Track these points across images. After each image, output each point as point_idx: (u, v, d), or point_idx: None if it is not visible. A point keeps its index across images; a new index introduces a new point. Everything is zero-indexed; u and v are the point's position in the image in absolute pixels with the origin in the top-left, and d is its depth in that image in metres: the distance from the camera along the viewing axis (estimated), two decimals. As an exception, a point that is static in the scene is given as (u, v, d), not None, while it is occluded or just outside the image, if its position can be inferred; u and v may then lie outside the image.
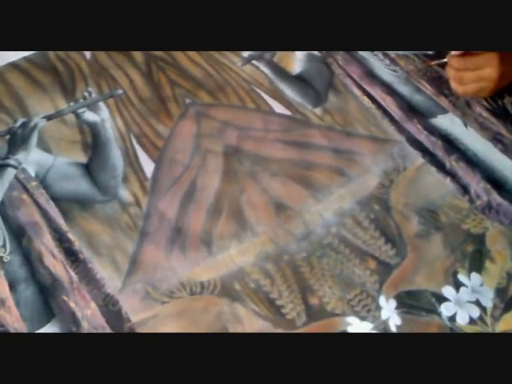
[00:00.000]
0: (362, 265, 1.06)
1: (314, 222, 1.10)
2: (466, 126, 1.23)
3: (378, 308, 1.00)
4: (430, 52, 1.33)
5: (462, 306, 1.00)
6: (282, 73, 1.38)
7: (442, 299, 1.02)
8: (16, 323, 0.95)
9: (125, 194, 1.13)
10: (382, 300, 1.01)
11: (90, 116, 1.21)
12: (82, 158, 1.18)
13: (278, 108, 1.32)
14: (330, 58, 1.40)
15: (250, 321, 0.96)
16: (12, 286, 1.00)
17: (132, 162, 1.18)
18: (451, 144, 1.26)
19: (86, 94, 1.24)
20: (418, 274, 1.05)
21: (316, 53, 1.42)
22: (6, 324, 0.94)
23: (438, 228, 1.12)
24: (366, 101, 1.33)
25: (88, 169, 1.18)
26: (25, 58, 1.34)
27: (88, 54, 1.37)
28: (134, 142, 1.21)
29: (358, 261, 1.06)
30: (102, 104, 1.23)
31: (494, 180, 1.20)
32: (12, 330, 0.94)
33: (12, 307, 0.97)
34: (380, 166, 1.21)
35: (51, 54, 1.36)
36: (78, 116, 1.22)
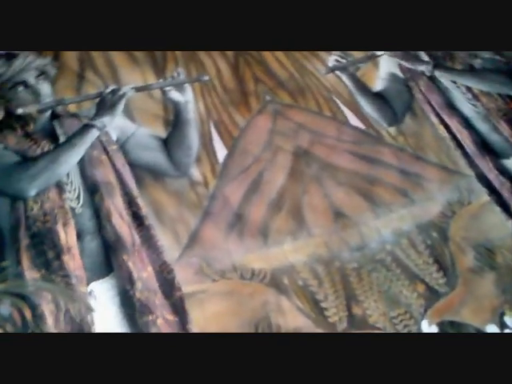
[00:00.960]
0: (410, 286, 1.07)
1: (370, 236, 1.12)
2: (537, 172, 1.23)
3: (419, 331, 1.01)
4: (513, 94, 1.33)
5: (504, 347, 1.00)
6: (363, 87, 1.40)
7: (485, 336, 1.01)
8: (77, 271, 1.02)
9: (195, 173, 1.18)
10: (424, 324, 1.02)
11: (175, 95, 1.26)
12: (162, 133, 1.23)
13: (354, 120, 1.35)
14: (412, 81, 1.42)
15: (293, 315, 1.00)
16: (79, 236, 1.06)
17: (207, 145, 1.23)
18: (520, 187, 1.26)
19: (175, 73, 1.29)
20: (464, 307, 1.06)
21: (399, 74, 1.44)
22: (68, 270, 1.00)
23: (492, 267, 1.12)
24: (442, 130, 1.34)
25: (166, 144, 1.23)
26: (125, 31, 1.41)
27: (183, 36, 1.44)
28: (212, 127, 1.27)
29: (408, 282, 1.07)
30: (188, 86, 1.28)
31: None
32: (73, 278, 1.00)
33: (76, 255, 1.03)
34: (445, 195, 1.22)
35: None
36: (164, 93, 1.27)
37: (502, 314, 0.99)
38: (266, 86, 1.28)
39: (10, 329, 0.86)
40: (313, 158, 1.16)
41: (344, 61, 1.39)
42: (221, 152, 1.16)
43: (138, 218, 1.11)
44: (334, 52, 1.42)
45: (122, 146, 1.20)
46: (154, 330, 1.00)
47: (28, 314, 0.90)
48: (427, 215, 1.10)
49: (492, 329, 0.98)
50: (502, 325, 0.98)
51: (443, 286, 1.01)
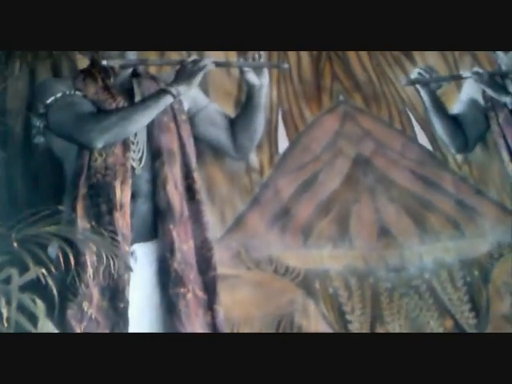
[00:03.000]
0: (438, 320, 1.07)
1: (411, 260, 1.12)
2: None
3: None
4: None
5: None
6: (440, 107, 1.37)
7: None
8: (125, 229, 1.07)
9: (254, 159, 1.20)
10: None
11: (252, 77, 1.27)
12: (231, 112, 1.26)
13: (422, 139, 1.32)
14: (492, 111, 1.37)
15: (316, 320, 1.02)
16: (133, 197, 1.12)
17: (270, 133, 1.25)
18: None
19: (257, 56, 1.30)
20: (488, 352, 1.04)
21: (481, 101, 1.39)
22: (117, 227, 1.06)
23: (527, 320, 1.09)
24: (511, 168, 1.29)
25: (232, 124, 1.26)
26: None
27: (271, 19, 1.44)
28: (280, 116, 1.27)
29: (437, 314, 1.07)
30: (266, 70, 1.29)
31: None
32: (119, 235, 1.05)
33: (127, 214, 1.08)
34: (497, 235, 1.19)
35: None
36: (242, 73, 1.29)
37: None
38: (342, 86, 1.27)
39: (52, 270, 0.92)
40: (372, 169, 1.16)
41: (427, 75, 1.36)
42: (283, 143, 1.17)
43: (190, 191, 1.15)
44: (419, 64, 1.39)
45: (191, 118, 1.24)
46: (182, 303, 1.05)
47: (72, 259, 0.96)
48: (474, 252, 1.08)
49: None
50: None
51: (472, 326, 1.01)
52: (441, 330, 1.02)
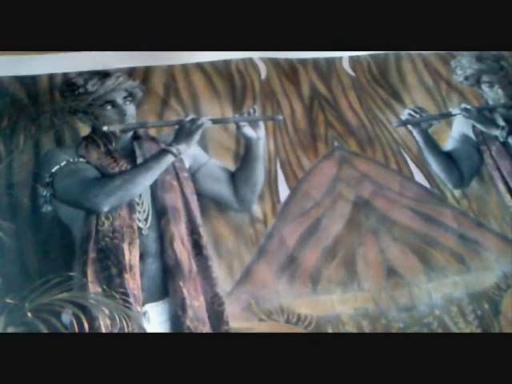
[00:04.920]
0: (454, 356, 1.07)
1: (421, 298, 1.13)
2: None
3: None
4: None
5: None
6: (433, 145, 1.41)
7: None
8: (136, 290, 1.09)
9: (257, 210, 1.23)
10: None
11: (248, 131, 1.33)
12: (231, 166, 1.29)
13: (419, 177, 1.35)
14: (484, 145, 1.41)
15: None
16: (142, 257, 1.14)
17: (271, 183, 1.28)
18: None
19: (252, 110, 1.36)
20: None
21: (472, 136, 1.44)
22: (128, 289, 1.08)
23: (541, 350, 1.09)
24: (508, 199, 1.32)
25: (234, 177, 1.29)
26: (210, 62, 1.50)
27: (263, 73, 1.50)
28: (278, 166, 1.31)
29: (452, 351, 1.07)
30: (261, 123, 1.35)
31: None
32: (131, 297, 1.07)
33: (137, 275, 1.10)
34: (502, 267, 1.20)
35: (233, 63, 1.51)
36: (238, 127, 1.34)
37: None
38: (336, 132, 1.32)
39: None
40: (372, 210, 1.18)
41: (418, 115, 1.41)
42: (283, 192, 1.20)
43: (197, 247, 1.17)
44: (408, 106, 1.44)
45: (193, 175, 1.28)
46: (198, 360, 1.05)
47: (86, 325, 0.97)
48: (481, 285, 1.10)
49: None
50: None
51: (488, 361, 1.00)
52: (457, 367, 1.02)
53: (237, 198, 1.27)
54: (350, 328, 1.08)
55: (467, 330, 1.10)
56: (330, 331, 1.07)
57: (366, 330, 1.08)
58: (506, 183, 1.35)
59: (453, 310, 1.12)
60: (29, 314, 0.96)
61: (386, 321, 1.09)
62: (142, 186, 1.20)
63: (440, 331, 1.09)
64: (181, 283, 1.11)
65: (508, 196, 1.33)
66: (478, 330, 1.10)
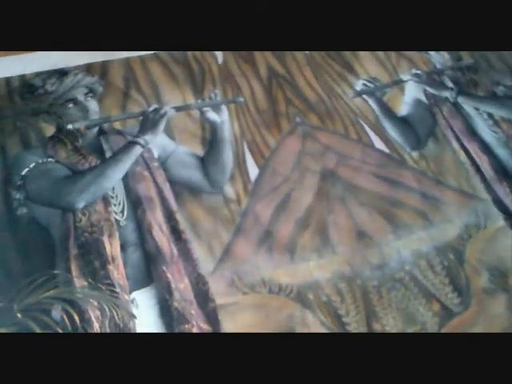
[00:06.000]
0: (426, 305, 1.15)
1: (391, 255, 1.20)
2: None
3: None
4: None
5: None
6: (388, 112, 1.48)
7: (495, 355, 1.09)
8: (121, 280, 1.12)
9: (229, 190, 1.27)
10: (438, 341, 1.10)
11: (212, 115, 1.36)
12: (199, 151, 1.33)
13: (378, 143, 1.42)
14: (436, 107, 1.49)
15: (316, 328, 1.08)
16: (123, 248, 1.17)
17: (240, 164, 1.32)
18: (535, 214, 1.32)
19: (213, 95, 1.39)
20: (476, 326, 1.13)
21: (424, 100, 1.51)
22: (113, 279, 1.11)
23: (505, 289, 1.19)
24: (462, 155, 1.41)
25: (203, 161, 1.33)
26: (166, 52, 1.51)
27: (220, 58, 1.53)
28: (245, 146, 1.35)
29: (424, 301, 1.15)
30: (224, 107, 1.38)
31: None
32: (117, 287, 1.10)
33: (120, 265, 1.13)
34: (463, 219, 1.29)
35: (189, 51, 1.53)
36: (202, 113, 1.37)
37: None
38: (297, 109, 1.36)
39: (60, 331, 0.96)
40: (338, 179, 1.25)
41: (371, 85, 1.47)
42: (253, 171, 1.25)
43: (176, 232, 1.21)
44: (361, 76, 1.50)
45: (163, 163, 1.31)
46: (190, 338, 1.10)
47: (77, 318, 1.00)
48: (445, 238, 1.18)
49: (502, 349, 1.05)
50: (512, 345, 1.05)
51: (457, 305, 1.09)
52: (430, 314, 1.10)
53: (208, 181, 1.30)
54: (329, 291, 1.14)
55: (436, 281, 1.18)
56: (310, 297, 1.13)
57: (344, 292, 1.15)
58: (459, 141, 1.43)
59: (421, 263, 1.20)
60: (18, 315, 0.97)
61: (361, 281, 1.16)
62: (113, 179, 1.22)
63: (412, 285, 1.17)
64: (164, 268, 1.14)
65: (462, 153, 1.42)
66: (446, 280, 1.19)
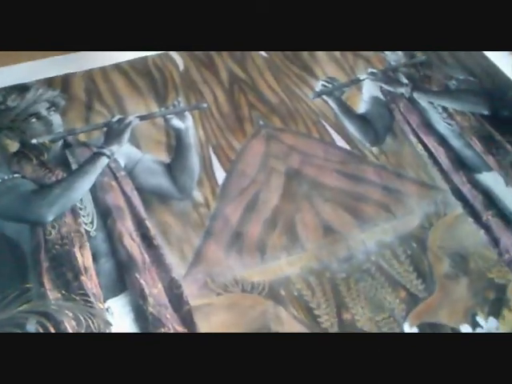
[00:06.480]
0: (393, 293, 1.20)
1: (357, 248, 1.25)
2: (507, 185, 1.37)
3: (402, 332, 1.14)
4: (486, 112, 1.47)
5: (476, 345, 1.13)
6: (347, 110, 1.54)
7: (459, 335, 1.15)
8: (94, 289, 1.13)
9: (197, 195, 1.30)
10: (406, 326, 1.15)
11: (176, 122, 1.39)
12: (165, 158, 1.35)
13: (340, 141, 1.47)
14: (392, 103, 1.55)
15: (290, 323, 1.12)
16: (95, 258, 1.18)
17: (207, 168, 1.35)
18: (491, 200, 1.40)
19: (176, 102, 1.42)
20: (441, 309, 1.19)
21: (381, 97, 1.57)
22: (86, 290, 1.12)
23: (465, 272, 1.25)
24: (420, 148, 1.47)
25: (170, 168, 1.35)
26: (127, 62, 1.53)
27: (181, 65, 1.56)
28: (211, 151, 1.38)
29: (391, 289, 1.20)
30: (187, 113, 1.41)
31: (524, 239, 1.33)
32: (91, 296, 1.11)
33: (93, 275, 1.14)
34: (423, 209, 1.35)
35: (150, 60, 1.55)
36: (166, 120, 1.40)
37: (474, 315, 1.12)
38: (260, 112, 1.40)
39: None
40: (303, 178, 1.29)
41: (330, 85, 1.52)
42: (220, 174, 1.28)
43: (147, 239, 1.23)
44: (320, 78, 1.55)
45: (130, 172, 1.32)
46: (167, 341, 1.11)
47: (53, 330, 1.01)
48: (407, 228, 1.23)
49: (465, 328, 1.11)
50: (474, 324, 1.11)
51: (422, 291, 1.14)
52: (397, 302, 1.15)
53: (176, 187, 1.33)
54: (300, 286, 1.18)
55: (401, 270, 1.23)
56: (282, 293, 1.16)
57: (314, 285, 1.18)
58: (416, 134, 1.50)
59: (386, 253, 1.25)
60: (-8, 331, 0.98)
61: (329, 273, 1.21)
62: (81, 191, 1.24)
63: (378, 274, 1.22)
64: (137, 275, 1.16)
65: (419, 145, 1.48)
66: (411, 268, 1.24)
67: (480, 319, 1.18)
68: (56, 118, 1.34)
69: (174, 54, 1.57)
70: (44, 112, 1.32)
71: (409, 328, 1.16)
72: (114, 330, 1.09)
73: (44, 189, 1.23)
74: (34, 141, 1.28)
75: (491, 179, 1.42)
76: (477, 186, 1.41)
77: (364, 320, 1.15)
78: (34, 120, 1.30)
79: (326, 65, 1.62)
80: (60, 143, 1.32)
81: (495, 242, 1.33)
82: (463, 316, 1.18)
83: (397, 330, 1.15)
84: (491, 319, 1.19)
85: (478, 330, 1.16)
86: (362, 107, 1.54)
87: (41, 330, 1.03)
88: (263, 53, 1.60)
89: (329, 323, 1.14)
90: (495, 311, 1.21)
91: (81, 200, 1.24)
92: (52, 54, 1.46)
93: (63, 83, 1.45)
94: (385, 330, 1.15)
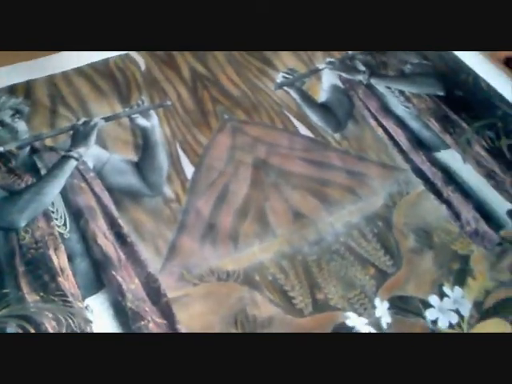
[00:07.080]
0: (363, 271, 1.25)
1: (326, 230, 1.30)
2: (464, 161, 1.44)
3: (373, 307, 1.19)
4: (441, 93, 1.54)
5: (444, 313, 1.19)
6: (309, 100, 1.58)
7: (428, 306, 1.21)
8: (72, 289, 1.15)
9: (168, 191, 1.32)
10: (377, 301, 1.20)
11: (141, 121, 1.41)
12: (133, 157, 1.37)
13: (303, 130, 1.52)
14: (351, 90, 1.60)
15: (265, 306, 1.16)
16: (70, 259, 1.19)
17: (175, 164, 1.38)
18: (450, 176, 1.46)
19: (140, 101, 1.44)
20: (409, 283, 1.25)
21: (340, 85, 1.62)
22: (64, 290, 1.13)
23: (430, 246, 1.31)
24: (380, 131, 1.53)
25: (138, 167, 1.37)
26: (89, 65, 1.55)
27: (142, 66, 1.58)
28: (178, 147, 1.41)
29: (360, 267, 1.25)
30: (152, 112, 1.43)
31: (483, 211, 1.40)
32: (69, 296, 1.13)
33: (70, 276, 1.16)
34: (386, 189, 1.40)
35: (111, 62, 1.57)
36: (131, 120, 1.42)
37: (441, 286, 1.18)
38: (223, 106, 1.43)
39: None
40: (270, 168, 1.33)
41: (290, 76, 1.57)
42: (188, 169, 1.31)
43: (121, 237, 1.25)
44: (281, 69, 1.59)
45: (99, 173, 1.34)
46: (147, 333, 1.14)
47: (33, 332, 1.02)
48: (373, 208, 1.28)
49: (433, 299, 1.16)
50: (442, 294, 1.17)
51: (390, 267, 1.19)
52: (367, 278, 1.20)
53: (146, 184, 1.35)
54: (273, 270, 1.22)
55: (369, 248, 1.29)
56: (257, 278, 1.20)
57: (287, 269, 1.23)
58: (375, 119, 1.55)
59: (354, 233, 1.30)
60: (-28, 339, 0.98)
61: (301, 257, 1.25)
62: (51, 195, 1.25)
63: (348, 254, 1.27)
64: (113, 273, 1.18)
65: (380, 129, 1.54)
66: (378, 246, 1.29)
67: (446, 289, 1.24)
68: (21, 125, 1.35)
69: (135, 55, 1.58)
70: (8, 119, 1.33)
71: (380, 302, 1.21)
72: (95, 326, 1.11)
73: (14, 195, 1.23)
74: (0, 149, 1.28)
75: (449, 156, 1.49)
76: (436, 163, 1.47)
77: (337, 298, 1.20)
78: (-1, 128, 1.31)
79: (286, 57, 1.66)
80: (27, 149, 1.33)
81: (456, 215, 1.40)
82: (430, 287, 1.24)
83: (368, 305, 1.20)
84: (457, 288, 1.25)
85: (446, 300, 1.22)
86: (322, 96, 1.59)
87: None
88: (223, 48, 1.63)
89: (303, 304, 1.18)
90: (460, 281, 1.27)
91: (52, 203, 1.25)
92: (13, 61, 1.46)
93: (26, 90, 1.45)
94: (357, 305, 1.20)
